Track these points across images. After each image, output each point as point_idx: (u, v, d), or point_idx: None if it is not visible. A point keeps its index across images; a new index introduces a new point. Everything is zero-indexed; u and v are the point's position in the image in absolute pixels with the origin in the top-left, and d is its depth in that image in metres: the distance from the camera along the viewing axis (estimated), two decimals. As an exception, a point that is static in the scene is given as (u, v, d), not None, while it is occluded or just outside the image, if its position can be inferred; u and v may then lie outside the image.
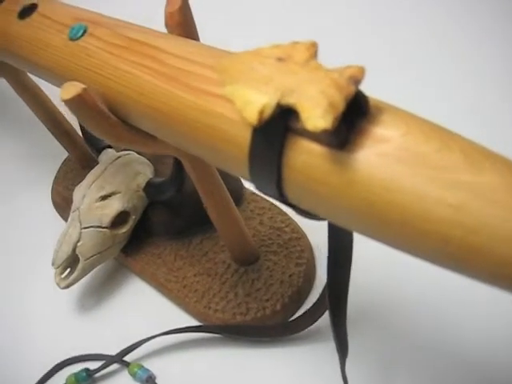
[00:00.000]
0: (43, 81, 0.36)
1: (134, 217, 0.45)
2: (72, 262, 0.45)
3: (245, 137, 0.22)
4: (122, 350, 0.42)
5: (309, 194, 0.21)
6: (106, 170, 0.45)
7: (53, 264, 0.44)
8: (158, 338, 0.42)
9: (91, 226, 0.44)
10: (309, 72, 0.20)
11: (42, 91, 0.50)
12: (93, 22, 0.31)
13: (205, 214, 0.46)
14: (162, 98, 0.26)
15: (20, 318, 0.49)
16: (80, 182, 0.54)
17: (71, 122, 0.52)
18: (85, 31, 0.31)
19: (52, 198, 0.56)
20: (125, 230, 0.45)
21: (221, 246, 0.45)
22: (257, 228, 0.46)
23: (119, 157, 0.46)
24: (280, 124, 0.21)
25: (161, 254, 0.47)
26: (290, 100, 0.20)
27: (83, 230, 0.44)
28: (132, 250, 0.47)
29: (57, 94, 0.29)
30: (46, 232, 0.54)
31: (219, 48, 0.27)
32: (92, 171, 0.46)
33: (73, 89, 0.28)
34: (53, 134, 0.52)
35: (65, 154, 0.58)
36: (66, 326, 0.47)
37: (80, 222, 0.44)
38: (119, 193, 0.44)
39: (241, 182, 0.47)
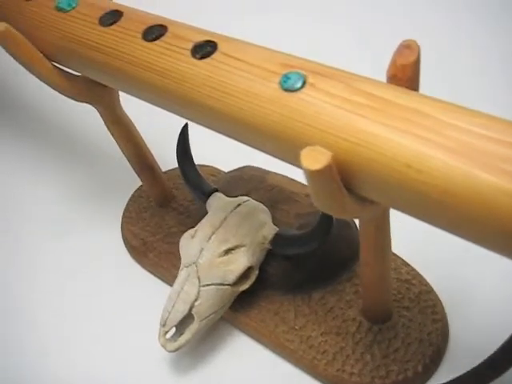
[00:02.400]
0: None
1: (256, 271, 0.40)
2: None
3: None
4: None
5: None
6: (227, 219, 0.40)
7: (163, 325, 0.39)
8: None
9: (212, 284, 0.39)
10: None
11: (133, 124, 0.44)
12: (311, 71, 0.26)
13: (329, 267, 0.42)
14: (455, 178, 0.22)
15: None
16: (159, 222, 0.49)
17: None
18: (304, 82, 0.26)
19: (125, 240, 0.49)
20: (247, 286, 0.40)
21: (346, 302, 0.42)
22: (383, 281, 0.42)
23: (239, 204, 0.41)
24: None
25: (278, 310, 0.42)
26: None
27: (202, 288, 0.39)
28: (243, 305, 0.42)
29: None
30: (122, 280, 0.48)
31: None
32: (207, 220, 0.40)
33: (321, 157, 0.23)
34: (135, 168, 0.46)
35: (129, 190, 0.53)
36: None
37: (199, 279, 0.39)
38: (244, 246, 0.39)
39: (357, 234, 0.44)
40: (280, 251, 0.40)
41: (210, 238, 0.40)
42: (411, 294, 0.42)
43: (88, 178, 0.56)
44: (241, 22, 0.64)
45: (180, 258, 0.46)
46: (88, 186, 0.56)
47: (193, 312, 0.39)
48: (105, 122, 0.42)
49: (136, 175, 0.53)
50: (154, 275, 0.47)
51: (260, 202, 0.42)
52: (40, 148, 0.61)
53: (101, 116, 0.42)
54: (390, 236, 0.34)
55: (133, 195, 0.52)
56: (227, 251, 0.39)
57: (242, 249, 0.39)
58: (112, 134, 0.43)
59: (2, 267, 0.51)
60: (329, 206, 0.26)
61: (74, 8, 0.34)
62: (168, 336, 0.40)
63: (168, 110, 0.32)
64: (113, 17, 0.33)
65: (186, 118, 0.31)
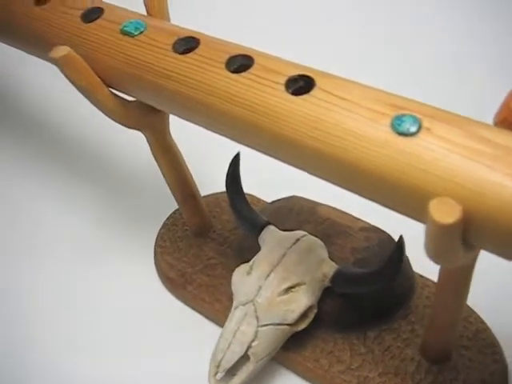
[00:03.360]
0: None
1: (315, 310, 0.38)
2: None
3: None
4: None
5: None
6: (286, 256, 0.38)
7: (217, 366, 0.37)
8: None
9: (271, 324, 0.37)
10: None
11: (180, 152, 0.42)
12: (425, 115, 0.25)
13: (384, 304, 0.41)
14: None
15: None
16: (197, 253, 0.47)
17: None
18: (420, 126, 0.25)
19: (160, 270, 0.47)
20: (304, 325, 0.38)
21: (403, 340, 0.40)
22: (440, 318, 0.41)
23: (297, 239, 0.39)
24: None
25: (332, 349, 0.40)
26: None
27: (260, 328, 0.37)
28: (295, 344, 0.40)
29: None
30: (157, 313, 0.45)
31: None
32: (264, 256, 0.38)
33: (452, 210, 0.22)
34: (177, 197, 0.44)
35: (161, 217, 0.50)
36: None
37: (257, 319, 0.37)
38: (304, 284, 0.37)
39: (412, 271, 0.42)
40: (341, 289, 0.38)
41: (268, 275, 0.38)
42: (469, 332, 0.40)
43: (116, 204, 0.54)
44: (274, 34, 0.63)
45: (222, 292, 0.44)
46: (116, 212, 0.53)
47: (249, 353, 0.37)
48: (152, 149, 0.40)
49: (167, 201, 0.51)
50: (193, 309, 0.45)
51: (312, 235, 0.41)
52: (66, 171, 0.58)
53: (149, 143, 0.40)
54: (471, 278, 0.32)
55: (165, 223, 0.50)
56: (287, 290, 0.37)
57: (303, 287, 0.38)
58: (158, 162, 0.41)
59: (25, 296, 0.48)
60: (444, 257, 0.24)
61: (141, 32, 0.32)
62: (218, 377, 0.38)
63: (252, 147, 0.30)
64: (188, 43, 0.31)
65: (276, 157, 0.29)
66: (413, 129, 0.25)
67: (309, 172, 0.28)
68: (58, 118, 0.65)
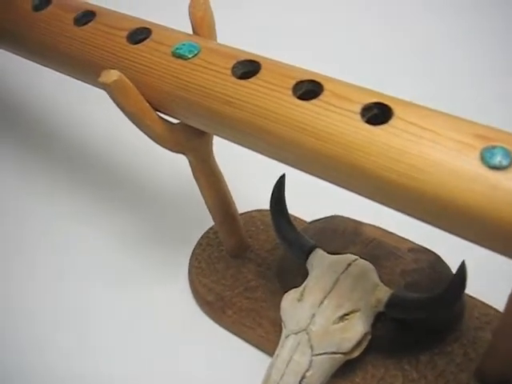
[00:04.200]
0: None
1: (369, 337, 0.37)
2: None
3: None
4: None
5: None
6: (339, 282, 0.36)
7: (270, 397, 0.35)
8: None
9: (326, 353, 0.36)
10: None
11: (221, 173, 0.40)
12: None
13: (436, 327, 0.40)
14: None
15: None
16: (235, 274, 0.45)
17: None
18: (512, 158, 0.23)
19: (196, 293, 0.45)
20: (358, 353, 0.37)
21: (457, 365, 0.39)
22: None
23: (350, 264, 0.37)
24: None
25: (384, 375, 0.39)
26: None
27: (315, 357, 0.35)
28: (345, 371, 0.39)
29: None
30: (195, 338, 0.44)
31: None
32: (315, 282, 0.37)
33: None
34: (216, 219, 0.42)
35: (194, 236, 0.49)
36: None
37: (311, 348, 0.35)
38: (358, 311, 0.36)
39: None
40: (396, 315, 0.37)
41: (321, 302, 0.36)
42: (523, 354, 0.39)
43: (145, 222, 0.52)
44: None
45: (264, 316, 0.43)
46: (145, 231, 0.51)
47: (303, 383, 0.36)
48: (194, 171, 0.39)
49: (199, 220, 0.50)
50: (233, 333, 0.44)
51: (361, 258, 0.39)
52: (93, 186, 0.56)
53: (191, 166, 0.38)
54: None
55: (199, 243, 0.48)
56: (342, 317, 0.36)
57: (357, 314, 0.36)
58: (199, 183, 0.39)
59: (52, 321, 0.47)
60: None
61: (196, 55, 0.31)
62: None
63: (318, 176, 0.28)
64: (248, 67, 0.29)
65: (350, 189, 0.28)
66: (505, 162, 0.23)
67: (386, 205, 0.27)
68: (82, 126, 0.63)
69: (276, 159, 0.30)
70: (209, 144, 0.37)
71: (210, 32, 0.34)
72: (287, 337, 0.37)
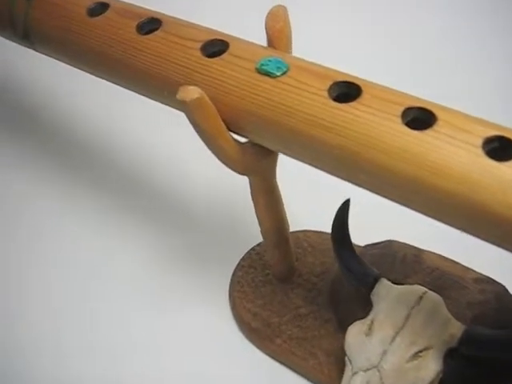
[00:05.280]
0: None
1: (441, 375, 0.35)
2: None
3: None
4: None
5: None
6: (411, 317, 0.34)
7: None
8: None
9: (398, 392, 0.33)
10: None
11: (280, 194, 0.38)
12: None
13: (504, 363, 0.38)
14: None
15: None
16: (283, 300, 0.43)
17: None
18: None
19: (240, 319, 0.42)
20: (428, 391, 0.35)
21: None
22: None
23: (421, 297, 0.35)
24: None
25: (450, 415, 0.37)
26: None
27: (386, 397, 0.33)
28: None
29: None
30: (240, 369, 0.41)
31: None
32: (385, 316, 0.35)
33: None
34: (270, 241, 0.40)
35: (233, 257, 0.46)
36: None
37: (383, 387, 0.33)
38: (431, 348, 0.34)
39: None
40: (471, 352, 0.35)
41: (393, 338, 0.34)
42: None
43: (180, 240, 0.49)
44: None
45: (316, 346, 0.40)
46: (180, 250, 0.48)
47: (376, 424, 0.33)
48: (254, 193, 0.36)
49: (238, 239, 0.47)
50: (282, 363, 0.41)
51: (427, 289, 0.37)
52: (123, 200, 0.53)
53: (252, 186, 0.36)
54: None
55: (241, 265, 0.45)
56: (415, 355, 0.34)
57: (430, 351, 0.34)
58: (257, 205, 0.37)
59: (83, 341, 0.44)
60: None
61: (284, 73, 0.28)
62: None
63: (421, 211, 0.26)
64: (346, 89, 0.27)
65: (454, 226, 0.25)
66: None
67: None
68: (125, 141, 0.59)
69: (376, 192, 0.27)
70: (275, 164, 0.35)
71: (287, 46, 0.32)
72: (355, 374, 0.34)
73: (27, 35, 0.36)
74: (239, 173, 0.33)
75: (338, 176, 0.28)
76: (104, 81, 0.39)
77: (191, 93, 0.28)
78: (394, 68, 0.60)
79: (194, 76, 0.30)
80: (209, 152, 0.32)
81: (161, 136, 0.57)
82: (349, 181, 0.28)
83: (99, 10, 0.34)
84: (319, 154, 0.28)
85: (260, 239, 0.46)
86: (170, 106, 0.32)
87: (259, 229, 0.42)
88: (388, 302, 0.36)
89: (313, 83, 0.27)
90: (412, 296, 0.36)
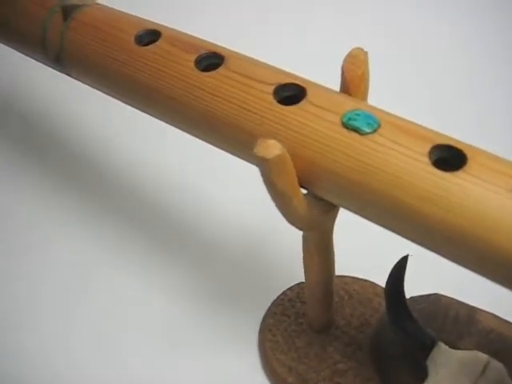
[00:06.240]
0: None
1: None
2: None
3: None
4: None
5: None
6: (476, 387, 0.32)
7: None
8: None
9: None
10: None
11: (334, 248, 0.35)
12: None
13: None
14: None
15: None
16: (319, 354, 0.40)
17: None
18: None
19: (272, 371, 0.39)
20: None
21: None
22: None
23: (485, 366, 0.33)
24: None
25: None
26: None
27: None
28: None
29: None
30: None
31: None
32: (447, 385, 0.32)
33: None
34: (314, 295, 0.37)
35: (262, 302, 0.43)
36: None
37: None
38: (498, 422, 0.32)
39: None
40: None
41: (457, 413, 0.31)
42: None
43: (207, 279, 0.45)
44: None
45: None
46: (207, 289, 0.44)
47: None
48: (309, 248, 0.33)
49: (269, 282, 0.44)
50: (320, 424, 0.38)
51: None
52: (149, 237, 0.49)
53: (308, 241, 0.32)
54: None
55: (273, 311, 0.42)
56: (482, 430, 0.31)
57: (498, 426, 0.32)
58: (311, 260, 0.34)
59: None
60: None
61: (375, 130, 0.25)
62: None
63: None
64: (446, 154, 0.24)
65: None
66: None
67: None
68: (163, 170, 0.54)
69: (483, 274, 0.24)
70: (335, 218, 0.32)
71: (365, 94, 0.28)
72: None
73: (60, 58, 0.32)
74: (299, 229, 0.30)
75: (425, 247, 0.25)
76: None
77: (272, 148, 0.24)
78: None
79: (266, 125, 0.26)
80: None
81: (189, 165, 0.53)
82: (437, 252, 0.26)
83: (149, 37, 0.30)
84: (411, 224, 0.25)
85: (291, 283, 0.43)
86: (230, 151, 0.29)
87: (290, 272, 0.39)
88: (449, 370, 0.33)
89: (409, 145, 0.24)
90: (476, 365, 0.33)
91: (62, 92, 0.59)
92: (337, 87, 0.29)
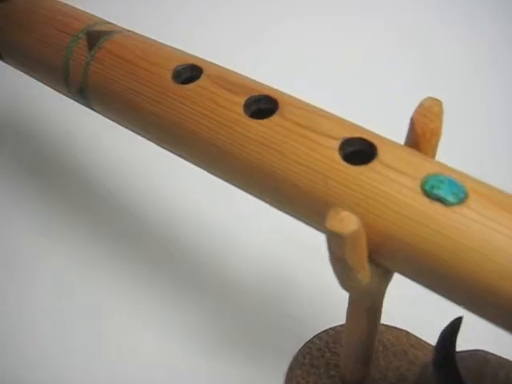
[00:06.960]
0: None
1: None
2: None
3: None
4: None
5: None
6: None
7: None
8: None
9: None
10: None
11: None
12: None
13: None
14: None
15: None
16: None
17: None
18: None
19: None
20: None
21: None
22: None
23: None
24: None
25: None
26: None
27: None
28: None
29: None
30: None
31: None
32: None
33: None
34: (353, 355, 0.33)
35: (287, 350, 0.39)
36: None
37: None
38: None
39: None
40: None
41: None
42: None
43: (224, 324, 0.42)
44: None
45: None
46: (225, 335, 0.41)
47: None
48: (357, 312, 0.29)
49: (294, 327, 0.41)
50: None
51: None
52: (167, 278, 0.45)
53: (357, 306, 0.29)
54: None
55: (300, 362, 0.39)
56: None
57: None
58: (358, 324, 0.30)
59: None
60: None
61: (462, 202, 0.22)
62: None
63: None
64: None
65: None
66: None
67: None
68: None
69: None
70: (388, 284, 0.28)
71: (435, 150, 0.25)
72: None
73: (83, 90, 0.28)
74: (355, 296, 0.27)
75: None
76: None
77: (347, 222, 0.21)
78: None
79: (331, 186, 0.23)
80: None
81: (208, 206, 0.49)
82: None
83: (189, 74, 0.26)
84: (494, 307, 0.22)
85: (319, 329, 0.40)
86: (285, 211, 0.25)
87: (316, 317, 0.36)
88: None
89: (502, 220, 0.21)
90: None
91: (60, 108, 0.55)
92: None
